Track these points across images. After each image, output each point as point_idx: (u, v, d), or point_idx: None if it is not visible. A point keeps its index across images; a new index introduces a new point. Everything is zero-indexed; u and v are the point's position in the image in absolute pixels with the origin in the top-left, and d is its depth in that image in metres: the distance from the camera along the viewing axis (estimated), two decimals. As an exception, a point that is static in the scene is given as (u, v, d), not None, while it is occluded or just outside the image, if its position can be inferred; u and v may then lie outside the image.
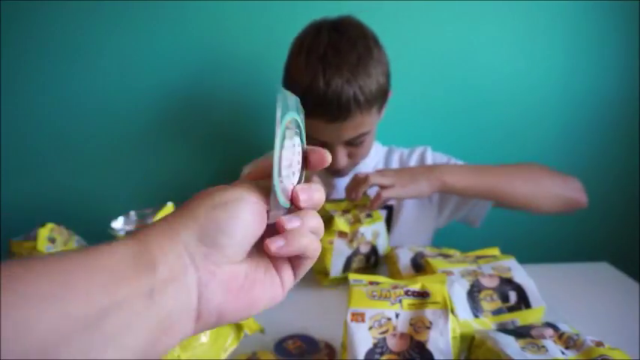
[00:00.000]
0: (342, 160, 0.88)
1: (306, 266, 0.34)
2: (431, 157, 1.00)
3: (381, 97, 0.85)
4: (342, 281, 0.81)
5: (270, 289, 0.32)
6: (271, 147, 0.31)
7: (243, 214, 0.29)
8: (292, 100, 0.33)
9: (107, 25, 1.09)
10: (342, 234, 0.81)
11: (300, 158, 0.35)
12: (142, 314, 0.25)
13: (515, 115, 1.17)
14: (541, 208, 0.87)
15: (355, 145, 0.88)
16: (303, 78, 0.82)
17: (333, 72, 0.79)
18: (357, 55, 0.81)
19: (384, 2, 1.02)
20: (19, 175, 1.17)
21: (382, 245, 0.84)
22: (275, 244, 0.30)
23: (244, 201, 0.30)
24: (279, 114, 0.30)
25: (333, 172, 0.94)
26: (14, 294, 0.21)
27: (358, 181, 0.81)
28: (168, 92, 1.14)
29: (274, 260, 0.33)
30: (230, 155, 1.19)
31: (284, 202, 0.32)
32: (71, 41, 1.09)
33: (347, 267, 0.81)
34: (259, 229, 0.31)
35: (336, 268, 0.80)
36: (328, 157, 0.35)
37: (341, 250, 0.80)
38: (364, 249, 0.82)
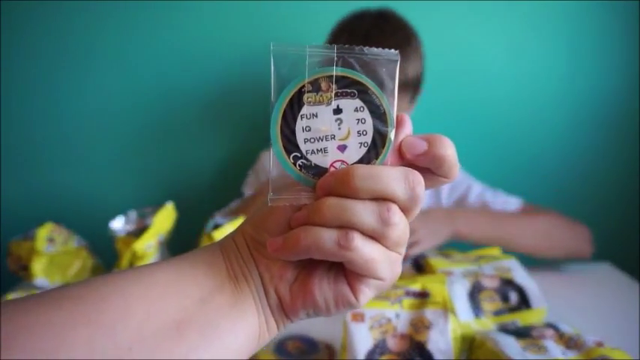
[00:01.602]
0: None
1: (367, 276, 0.27)
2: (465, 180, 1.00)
3: (414, 85, 0.86)
4: None
5: (333, 289, 0.28)
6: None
7: (281, 210, 0.28)
8: (314, 52, 0.25)
9: (106, 24, 1.08)
10: None
11: (364, 127, 0.26)
12: (236, 296, 0.28)
13: (516, 116, 1.16)
14: (545, 256, 0.88)
15: None
16: (335, 37, 0.84)
17: (365, 39, 0.81)
18: (399, 40, 0.83)
19: (387, 3, 1.01)
20: (19, 174, 1.17)
21: None
22: (272, 244, 0.27)
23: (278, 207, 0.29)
24: (273, 83, 0.25)
25: None
26: (143, 284, 0.27)
27: None
28: (167, 92, 1.14)
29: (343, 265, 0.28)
30: (230, 154, 1.19)
31: (304, 179, 0.25)
32: (71, 40, 1.09)
33: None
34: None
35: None
36: (407, 129, 0.27)
37: None
38: None
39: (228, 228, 0.75)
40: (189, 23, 1.09)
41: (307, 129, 0.26)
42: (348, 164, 0.26)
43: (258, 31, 1.10)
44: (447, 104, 1.15)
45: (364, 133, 0.26)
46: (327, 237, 0.25)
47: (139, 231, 0.76)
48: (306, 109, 0.26)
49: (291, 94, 0.26)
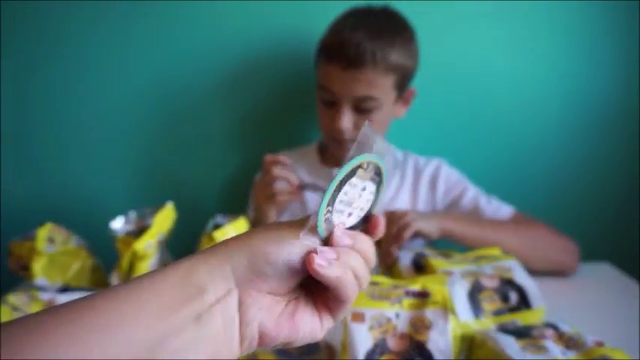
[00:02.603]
0: (347, 121, 0.88)
1: (342, 308, 0.33)
2: (444, 173, 1.01)
3: (399, 73, 0.89)
4: None
5: (310, 322, 0.33)
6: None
7: (292, 255, 0.31)
8: (381, 145, 0.33)
9: (106, 23, 1.08)
10: None
11: (365, 206, 0.34)
12: (194, 338, 0.28)
13: (515, 115, 1.16)
14: (529, 266, 0.83)
15: (363, 112, 0.89)
16: (335, 27, 0.90)
17: (362, 29, 0.86)
18: (392, 30, 0.89)
19: (388, 2, 1.02)
20: (19, 175, 1.17)
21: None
22: (316, 261, 0.30)
23: (296, 244, 0.31)
24: (353, 148, 0.31)
25: (336, 139, 0.93)
26: (81, 326, 0.25)
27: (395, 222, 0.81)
28: (168, 92, 1.14)
29: (315, 299, 0.34)
30: (231, 155, 1.19)
31: (322, 230, 0.32)
32: (71, 40, 1.09)
33: None
34: (305, 269, 0.31)
35: None
36: (381, 227, 0.36)
37: None
38: None
39: (229, 228, 0.75)
40: (193, 21, 1.09)
41: (345, 193, 0.32)
42: (345, 227, 0.34)
43: (262, 31, 1.10)
44: (446, 103, 1.15)
45: (362, 210, 0.34)
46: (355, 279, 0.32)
47: (139, 231, 0.76)
48: (354, 179, 0.32)
49: (356, 164, 0.32)
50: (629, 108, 1.16)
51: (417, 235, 0.83)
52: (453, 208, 0.98)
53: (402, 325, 0.53)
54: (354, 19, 0.89)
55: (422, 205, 1.00)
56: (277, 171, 0.84)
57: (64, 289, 0.66)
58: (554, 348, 0.49)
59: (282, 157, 0.86)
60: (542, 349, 0.49)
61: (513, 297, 0.62)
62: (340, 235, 0.33)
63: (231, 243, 0.32)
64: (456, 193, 0.98)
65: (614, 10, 1.10)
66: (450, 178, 1.00)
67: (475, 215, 0.94)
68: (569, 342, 0.50)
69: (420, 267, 0.75)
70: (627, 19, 1.11)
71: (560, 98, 1.15)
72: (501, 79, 1.14)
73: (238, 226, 0.77)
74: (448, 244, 0.90)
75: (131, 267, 0.73)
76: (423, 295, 0.55)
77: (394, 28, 0.90)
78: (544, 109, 1.16)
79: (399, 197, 1.00)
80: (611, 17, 1.10)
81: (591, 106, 1.16)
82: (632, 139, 1.18)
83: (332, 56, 0.87)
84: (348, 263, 0.32)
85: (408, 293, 0.55)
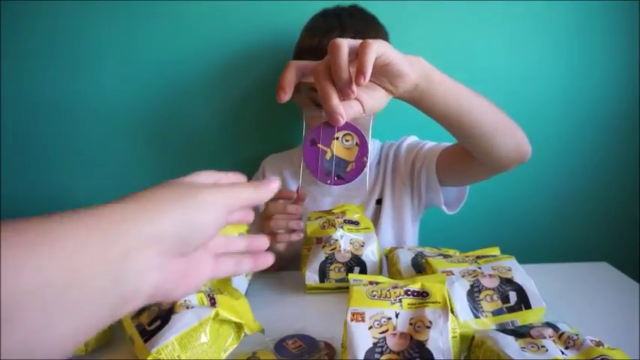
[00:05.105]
0: None
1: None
2: (407, 141, 1.03)
3: None
4: (320, 290, 0.80)
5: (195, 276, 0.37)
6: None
7: (215, 217, 0.35)
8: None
9: (107, 25, 1.09)
10: (317, 240, 0.82)
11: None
12: (107, 289, 0.29)
13: (516, 116, 1.16)
14: (500, 148, 0.78)
15: None
16: (309, 28, 0.94)
17: (336, 28, 0.89)
18: (366, 25, 0.92)
19: (386, 3, 1.02)
20: (19, 175, 1.17)
21: (371, 257, 0.80)
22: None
23: (216, 205, 0.35)
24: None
25: None
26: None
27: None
28: (168, 92, 1.14)
29: None
30: (232, 155, 1.19)
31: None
32: (71, 41, 1.09)
33: (323, 275, 0.78)
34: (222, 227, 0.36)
35: (310, 274, 0.79)
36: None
37: (314, 256, 0.80)
38: (342, 257, 0.79)
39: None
40: (195, 25, 1.09)
41: None
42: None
43: (255, 33, 1.10)
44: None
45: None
46: None
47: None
48: None
49: None
50: (629, 108, 1.16)
51: (387, 69, 0.60)
52: (415, 162, 0.98)
53: (401, 324, 0.53)
54: (326, 18, 0.93)
55: (398, 182, 1.01)
56: (272, 207, 0.82)
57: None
58: (554, 348, 0.49)
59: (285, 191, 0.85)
60: (541, 348, 0.49)
61: (513, 297, 0.62)
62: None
63: (155, 208, 0.33)
64: (415, 150, 0.99)
65: (614, 10, 1.10)
66: (411, 142, 1.02)
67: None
68: (568, 342, 0.50)
69: (419, 267, 0.75)
70: (627, 19, 1.11)
71: (559, 98, 1.16)
72: (501, 80, 1.14)
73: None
74: (448, 244, 0.90)
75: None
76: (422, 295, 0.55)
77: (366, 23, 0.93)
78: (543, 109, 1.16)
79: (377, 184, 1.02)
80: (611, 17, 1.10)
81: (591, 106, 1.16)
82: (632, 140, 1.18)
83: (312, 57, 0.87)
84: None
85: (407, 293, 0.55)
